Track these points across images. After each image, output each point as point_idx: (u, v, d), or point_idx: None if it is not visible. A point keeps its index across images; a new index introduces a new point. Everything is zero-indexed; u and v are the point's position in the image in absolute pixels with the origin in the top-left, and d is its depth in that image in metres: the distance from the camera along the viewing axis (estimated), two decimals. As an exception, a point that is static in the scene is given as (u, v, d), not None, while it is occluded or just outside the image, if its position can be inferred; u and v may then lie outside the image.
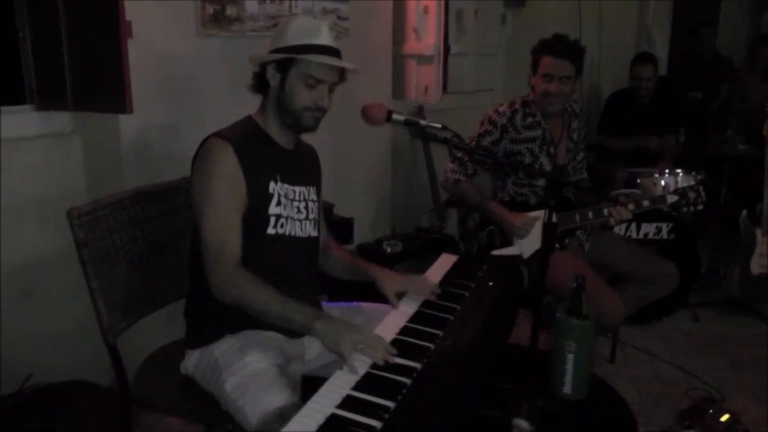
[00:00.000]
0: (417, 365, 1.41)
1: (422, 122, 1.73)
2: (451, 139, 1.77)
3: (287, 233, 1.68)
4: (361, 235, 3.12)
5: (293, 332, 1.71)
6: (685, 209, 2.47)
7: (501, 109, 2.53)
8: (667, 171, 3.32)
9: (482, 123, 2.55)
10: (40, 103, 2.22)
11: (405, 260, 3.02)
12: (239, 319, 1.60)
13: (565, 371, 1.57)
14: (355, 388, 1.32)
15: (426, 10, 3.11)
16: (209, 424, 1.86)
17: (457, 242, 2.99)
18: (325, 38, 1.62)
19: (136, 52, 2.09)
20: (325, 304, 1.87)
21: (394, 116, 1.72)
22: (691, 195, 2.45)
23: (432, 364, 1.42)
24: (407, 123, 1.73)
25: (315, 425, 1.19)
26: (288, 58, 1.60)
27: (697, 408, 2.51)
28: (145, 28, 2.16)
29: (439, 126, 1.72)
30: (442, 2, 3.13)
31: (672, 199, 2.46)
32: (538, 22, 3.98)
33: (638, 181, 3.34)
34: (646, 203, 2.44)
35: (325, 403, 1.27)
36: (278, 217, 1.66)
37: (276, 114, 1.67)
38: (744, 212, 3.33)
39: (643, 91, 3.86)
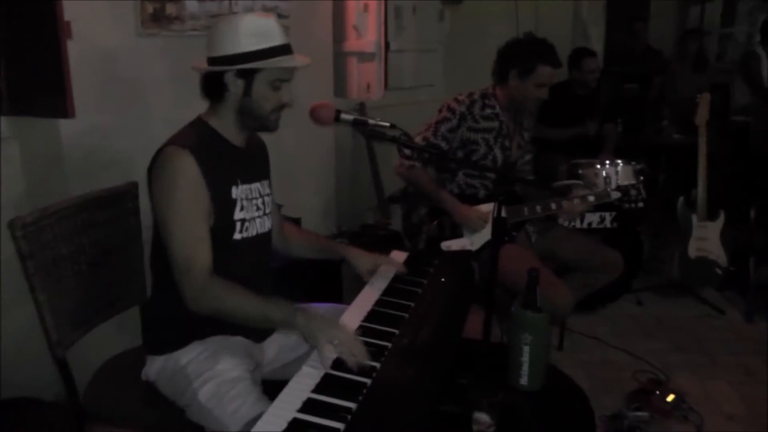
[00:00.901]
0: (376, 364, 1.41)
1: (371, 121, 1.73)
2: (400, 138, 1.78)
3: (251, 235, 1.67)
4: (309, 233, 3.11)
5: (257, 336, 1.71)
6: (627, 206, 2.60)
7: (460, 98, 2.56)
8: (608, 161, 3.43)
9: (440, 110, 2.57)
10: (-27, 108, 2.11)
11: (354, 258, 3.01)
12: (206, 325, 1.58)
13: (522, 363, 1.62)
14: (315, 390, 1.32)
15: (366, 7, 3.12)
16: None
17: (402, 238, 3.00)
18: (281, 37, 1.58)
19: (75, 52, 2.01)
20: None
21: (343, 116, 1.71)
22: (633, 192, 2.59)
23: (391, 362, 1.43)
24: (356, 123, 1.73)
25: (279, 430, 1.19)
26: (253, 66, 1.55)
27: (644, 390, 2.62)
28: (85, 28, 2.08)
29: (387, 125, 1.73)
30: (382, 0, 3.14)
31: (615, 195, 2.59)
32: (476, 18, 4.05)
33: (580, 171, 3.43)
34: (591, 198, 2.53)
35: (286, 407, 1.26)
36: (243, 221, 1.64)
37: (237, 117, 1.63)
38: (681, 199, 3.48)
39: (592, 82, 3.96)
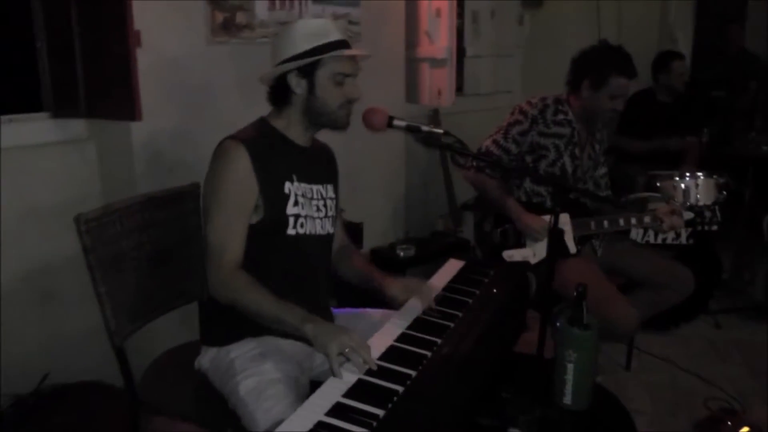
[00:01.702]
0: (412, 372, 1.40)
1: (424, 128, 1.72)
2: (453, 145, 1.76)
3: (308, 232, 1.69)
4: (375, 239, 3.12)
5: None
6: (699, 228, 2.47)
7: (533, 101, 2.51)
8: (688, 173, 3.25)
9: (512, 113, 2.52)
10: (56, 110, 2.27)
11: (418, 265, 3.01)
12: (262, 324, 1.60)
13: (566, 381, 1.56)
14: (346, 395, 1.32)
15: (438, 12, 3.10)
16: (218, 427, 1.87)
17: (473, 246, 2.97)
18: (337, 33, 1.63)
19: (146, 60, 2.13)
20: (334, 311, 1.88)
21: (395, 122, 1.71)
22: (707, 214, 2.49)
23: (427, 371, 1.41)
24: (409, 129, 1.72)
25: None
26: (312, 63, 1.60)
27: (714, 418, 2.46)
28: (156, 37, 2.19)
29: (441, 132, 1.72)
30: (454, 4, 3.12)
31: (688, 216, 2.47)
32: (556, 22, 3.95)
33: (658, 184, 3.27)
34: (647, 220, 2.46)
35: (314, 410, 1.27)
36: (297, 217, 1.67)
37: (304, 118, 1.67)
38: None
39: (682, 86, 3.78)
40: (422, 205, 3.60)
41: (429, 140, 1.74)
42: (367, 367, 1.39)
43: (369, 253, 3.09)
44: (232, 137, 1.63)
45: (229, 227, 1.59)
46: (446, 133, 1.72)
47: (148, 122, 2.17)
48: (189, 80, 2.34)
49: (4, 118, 2.20)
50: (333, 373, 1.38)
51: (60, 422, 2.17)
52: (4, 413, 2.22)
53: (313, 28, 1.62)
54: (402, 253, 3.04)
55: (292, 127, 1.69)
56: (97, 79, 2.11)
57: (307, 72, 1.62)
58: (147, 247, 1.89)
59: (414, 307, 1.73)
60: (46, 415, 2.22)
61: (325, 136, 1.82)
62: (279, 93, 1.67)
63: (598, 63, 2.41)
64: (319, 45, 1.60)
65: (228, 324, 1.67)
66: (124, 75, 1.98)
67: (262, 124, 1.71)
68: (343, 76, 1.63)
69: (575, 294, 1.55)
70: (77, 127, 2.34)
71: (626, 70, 2.38)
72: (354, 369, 1.39)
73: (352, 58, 1.65)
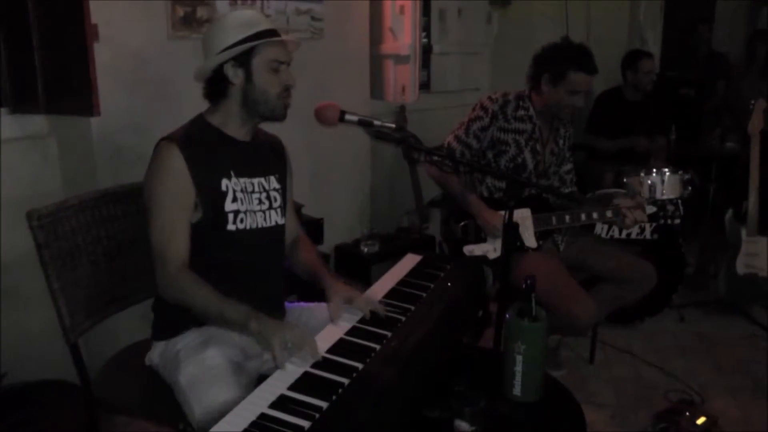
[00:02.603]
0: (359, 365, 1.42)
1: (376, 122, 1.73)
2: (407, 139, 1.78)
3: (248, 227, 1.69)
4: (339, 235, 3.13)
5: None
6: (662, 221, 2.50)
7: (494, 97, 2.53)
8: (654, 170, 3.29)
9: (474, 109, 2.54)
10: (15, 106, 2.25)
11: (382, 261, 3.02)
12: None
13: (515, 373, 1.57)
14: (291, 387, 1.33)
15: (402, 9, 3.11)
16: (173, 424, 1.87)
17: (439, 242, 2.98)
18: (266, 23, 1.67)
19: (106, 54, 2.13)
20: (287, 305, 1.89)
21: (347, 116, 1.73)
22: (670, 208, 2.53)
23: (374, 364, 1.43)
24: (361, 123, 1.74)
25: (244, 424, 1.21)
26: (247, 51, 1.62)
27: (673, 410, 2.51)
28: (116, 31, 2.18)
29: (393, 126, 1.73)
30: (418, 2, 3.13)
31: (650, 210, 2.51)
32: (525, 21, 3.98)
33: (624, 180, 3.31)
34: (608, 214, 2.48)
35: (258, 402, 1.28)
36: (236, 213, 1.67)
37: (242, 110, 1.68)
38: (730, 211, 3.30)
39: (648, 85, 3.82)
40: (388, 201, 3.61)
41: (382, 135, 1.75)
42: (312, 359, 1.40)
43: (333, 249, 3.09)
44: (166, 137, 1.64)
45: (171, 226, 1.60)
46: (399, 128, 1.73)
47: (108, 117, 2.16)
48: (150, 75, 2.33)
49: (-38, 113, 2.19)
50: (277, 366, 1.39)
51: (19, 421, 2.16)
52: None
53: (243, 19, 1.66)
54: (366, 249, 3.05)
55: (230, 121, 1.70)
56: (55, 74, 2.08)
57: (243, 61, 1.63)
58: (104, 242, 1.89)
59: (352, 315, 1.68)
60: (4, 413, 2.20)
61: (289, 131, 1.82)
62: (216, 86, 1.68)
63: (557, 58, 2.44)
64: (251, 34, 1.62)
65: (175, 317, 1.68)
66: (81, 70, 1.96)
67: (198, 121, 1.72)
68: (278, 63, 1.66)
69: (524, 286, 1.57)
70: (37, 122, 2.31)
71: (585, 66, 2.40)
72: (300, 362, 1.41)
73: (285, 45, 1.68)
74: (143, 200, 1.65)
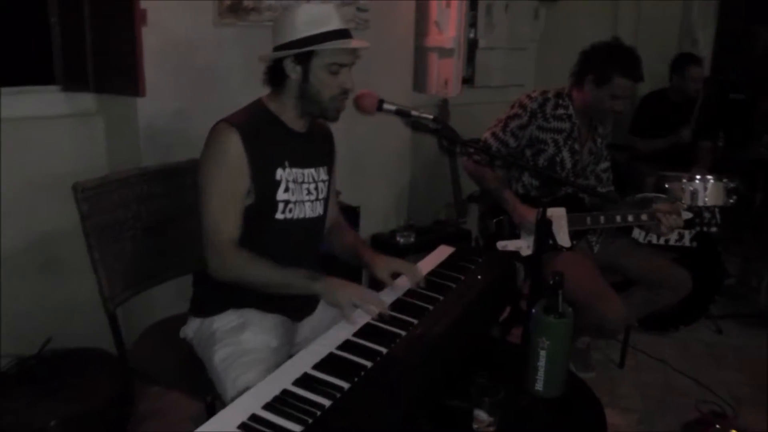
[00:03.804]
0: (383, 350, 1.44)
1: (414, 113, 1.74)
2: (442, 130, 1.79)
3: (295, 217, 1.72)
4: (376, 225, 3.16)
5: (296, 316, 1.79)
6: (697, 228, 2.45)
7: (533, 95, 2.51)
8: (697, 176, 3.22)
9: (512, 106, 2.53)
10: (66, 84, 2.35)
11: (417, 252, 3.03)
12: (246, 297, 1.67)
13: (538, 368, 1.57)
14: (315, 366, 1.36)
15: (448, 3, 3.11)
16: (202, 395, 1.92)
17: (476, 237, 2.98)
18: (337, 22, 1.63)
19: (154, 39, 2.19)
20: None
21: (386, 105, 1.73)
22: (706, 215, 2.46)
23: (398, 349, 1.44)
24: (398, 113, 1.74)
25: (266, 399, 1.24)
26: (308, 51, 1.61)
27: (703, 420, 2.45)
28: (164, 17, 2.25)
29: (431, 117, 1.73)
30: (465, -4, 3.13)
31: (686, 215, 2.45)
32: (572, 18, 3.92)
33: (666, 185, 3.24)
34: (643, 218, 2.44)
35: (282, 378, 1.31)
36: (287, 202, 1.70)
37: (297, 103, 1.69)
38: (776, 222, 3.20)
39: (696, 92, 3.74)
40: (427, 193, 3.61)
41: (419, 125, 1.76)
42: (377, 311, 1.52)
43: (369, 238, 3.12)
44: (225, 120, 1.64)
45: (226, 209, 1.62)
46: (435, 120, 1.73)
47: (154, 99, 2.23)
48: (195, 60, 2.40)
49: (16, 89, 2.28)
50: (347, 320, 1.51)
51: (59, 384, 2.26)
52: (7, 373, 2.32)
53: (313, 15, 1.62)
54: (402, 240, 3.07)
55: (287, 111, 1.71)
56: (104, 55, 2.17)
57: (303, 59, 1.62)
58: (144, 217, 1.95)
59: (398, 287, 1.76)
60: (46, 376, 2.30)
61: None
62: (275, 75, 1.69)
63: (604, 60, 2.39)
64: (317, 33, 1.60)
65: (214, 296, 1.72)
66: (129, 52, 2.04)
67: (258, 106, 1.72)
68: (338, 66, 1.63)
69: (551, 282, 1.56)
70: (86, 101, 2.41)
71: (631, 72, 2.35)
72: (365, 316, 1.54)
73: (350, 49, 1.65)
74: (198, 180, 1.66)
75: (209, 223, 1.62)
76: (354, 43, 1.64)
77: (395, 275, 1.77)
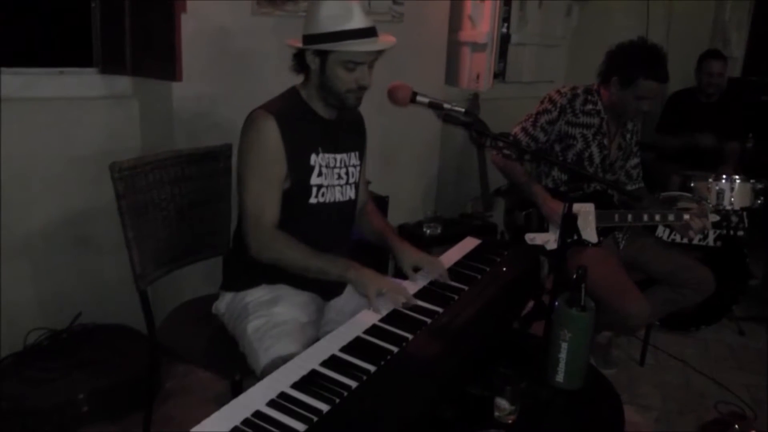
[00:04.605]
0: (409, 336, 1.47)
1: (446, 105, 1.76)
2: (473, 123, 1.80)
3: (328, 201, 1.78)
4: (403, 215, 3.18)
5: (326, 295, 1.84)
6: (725, 232, 2.45)
7: (563, 90, 2.51)
8: (724, 176, 3.19)
9: (542, 101, 2.53)
10: (104, 66, 2.40)
11: (443, 244, 3.04)
12: (279, 273, 1.71)
13: (559, 360, 1.59)
14: (342, 349, 1.40)
15: (482, -1, 3.11)
16: (230, 374, 1.96)
17: (501, 231, 2.99)
18: (358, 20, 1.64)
19: (192, 26, 2.23)
20: None
21: (419, 98, 1.76)
22: (734, 219, 2.47)
23: (423, 336, 1.48)
24: (431, 105, 1.76)
25: (295, 378, 1.28)
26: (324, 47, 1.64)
27: (722, 421, 2.45)
28: (203, 5, 2.28)
29: (462, 110, 1.75)
30: (500, -9, 3.12)
31: (714, 218, 2.46)
32: (605, 16, 3.89)
33: (692, 184, 3.22)
34: (671, 218, 2.44)
35: (310, 359, 1.35)
36: (319, 187, 1.75)
37: (318, 92, 1.74)
38: (803, 225, 3.16)
39: (711, 87, 3.71)
40: (454, 186, 3.63)
41: (450, 118, 1.78)
42: (402, 301, 1.59)
43: (396, 228, 3.14)
44: (262, 108, 1.69)
45: (265, 193, 1.68)
46: (467, 113, 1.75)
47: (189, 85, 2.28)
48: (231, 48, 2.43)
49: (56, 70, 2.34)
50: (373, 308, 1.57)
51: (88, 358, 2.33)
52: (39, 345, 2.40)
53: (335, 11, 1.64)
54: (428, 231, 3.09)
55: (314, 98, 1.76)
56: (143, 40, 2.22)
57: (321, 52, 1.67)
58: (177, 199, 2.00)
59: (424, 277, 1.79)
60: (76, 350, 2.38)
61: (363, 109, 1.85)
62: (299, 64, 1.74)
63: (629, 62, 2.38)
64: (336, 31, 1.62)
65: (246, 271, 1.78)
66: (167, 37, 2.08)
67: (292, 94, 1.77)
68: (354, 64, 1.66)
69: (575, 276, 1.58)
70: (123, 84, 2.47)
71: (656, 74, 2.34)
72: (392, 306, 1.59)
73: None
74: (237, 167, 1.73)
75: (251, 207, 1.68)
76: (371, 45, 1.66)
77: (417, 269, 1.81)
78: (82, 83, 2.42)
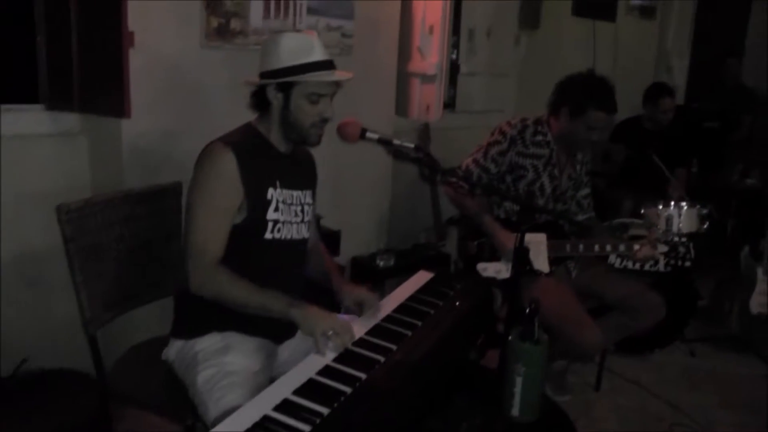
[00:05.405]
0: (362, 375, 1.46)
1: (395, 141, 1.77)
2: (423, 159, 1.82)
3: (283, 237, 1.76)
4: (356, 248, 3.18)
5: (276, 339, 1.81)
6: (672, 262, 2.51)
7: (513, 122, 2.56)
8: (672, 202, 3.28)
9: (492, 133, 2.58)
10: (51, 103, 2.35)
11: (397, 275, 3.05)
12: (229, 320, 1.68)
13: (514, 393, 1.60)
14: (295, 392, 1.38)
15: (431, 29, 3.17)
16: (182, 419, 1.92)
17: (455, 261, 3.02)
18: (319, 53, 1.68)
19: (140, 60, 2.21)
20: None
21: (368, 134, 1.77)
22: (681, 250, 2.53)
23: (377, 375, 1.47)
24: (381, 141, 1.77)
25: (247, 424, 1.25)
26: (290, 80, 1.66)
27: (676, 443, 2.50)
28: (151, 38, 2.27)
29: (412, 146, 1.77)
30: (448, 22, 3.18)
31: (662, 249, 2.52)
32: (553, 44, 4.00)
33: (642, 211, 3.31)
34: (621, 248, 2.51)
35: (262, 404, 1.33)
36: (276, 222, 1.74)
37: (280, 128, 1.74)
38: (746, 248, 3.28)
39: (665, 122, 3.83)
40: (407, 217, 3.64)
41: (400, 154, 1.80)
42: (346, 346, 1.53)
43: (349, 261, 3.14)
44: (220, 140, 1.69)
45: (213, 227, 1.65)
46: (417, 148, 1.77)
47: (138, 120, 2.24)
48: (181, 82, 2.41)
49: (1, 106, 2.28)
50: (318, 351, 1.50)
51: (34, 407, 2.24)
52: (-18, 394, 2.29)
53: (296, 45, 1.66)
54: (381, 263, 3.10)
55: (273, 133, 1.76)
56: (90, 75, 2.18)
57: (284, 87, 1.68)
58: (127, 239, 1.96)
59: (376, 315, 1.78)
60: (22, 398, 2.28)
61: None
62: (259, 100, 1.74)
63: (579, 93, 2.45)
64: (299, 63, 1.65)
65: (196, 318, 1.74)
66: (115, 73, 2.05)
67: (249, 128, 1.77)
68: (318, 96, 1.69)
69: (527, 310, 1.60)
70: (70, 120, 2.41)
71: (605, 105, 2.41)
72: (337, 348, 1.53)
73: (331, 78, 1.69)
74: (186, 198, 1.70)
75: (195, 240, 1.65)
76: (335, 76, 1.70)
77: (359, 304, 1.81)
78: (28, 120, 2.36)
